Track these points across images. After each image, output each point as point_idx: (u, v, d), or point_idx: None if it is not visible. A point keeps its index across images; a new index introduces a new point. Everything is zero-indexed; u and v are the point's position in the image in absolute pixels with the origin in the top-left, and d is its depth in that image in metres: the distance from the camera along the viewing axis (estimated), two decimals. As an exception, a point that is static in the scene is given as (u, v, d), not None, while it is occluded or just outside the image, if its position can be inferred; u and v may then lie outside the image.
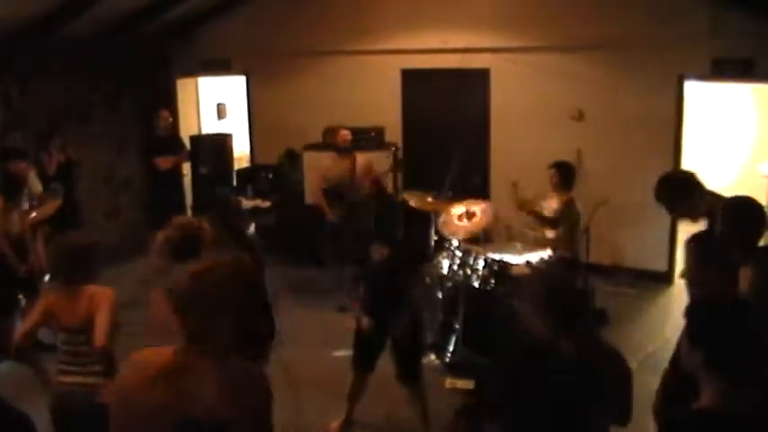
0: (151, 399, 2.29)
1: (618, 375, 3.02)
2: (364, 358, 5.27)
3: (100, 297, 4.01)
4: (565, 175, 6.76)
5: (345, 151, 8.04)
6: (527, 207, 6.95)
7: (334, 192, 8.00)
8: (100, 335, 3.90)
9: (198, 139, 10.75)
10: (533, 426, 3.01)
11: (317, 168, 8.44)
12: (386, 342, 5.14)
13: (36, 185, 7.27)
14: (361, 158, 7.93)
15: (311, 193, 8.56)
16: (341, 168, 7.99)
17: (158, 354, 2.43)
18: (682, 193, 4.43)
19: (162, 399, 2.29)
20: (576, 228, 6.75)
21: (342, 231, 7.87)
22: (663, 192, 4.49)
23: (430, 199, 7.42)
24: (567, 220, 6.65)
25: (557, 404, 2.92)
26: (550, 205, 6.81)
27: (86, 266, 4.09)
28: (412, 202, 7.46)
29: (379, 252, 5.06)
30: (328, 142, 8.28)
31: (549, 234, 6.75)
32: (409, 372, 5.16)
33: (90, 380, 4.01)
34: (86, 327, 3.96)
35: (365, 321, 5.13)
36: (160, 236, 4.19)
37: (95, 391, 3.92)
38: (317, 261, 8.78)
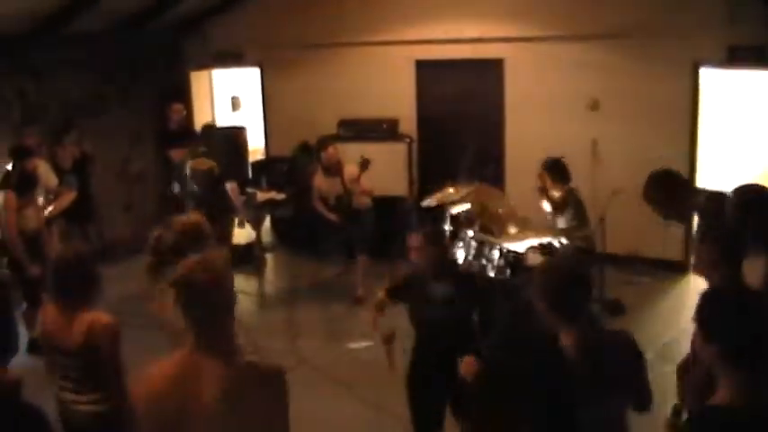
0: (166, 409, 2.38)
1: (625, 359, 2.94)
2: (428, 426, 4.39)
3: (100, 330, 3.55)
4: (555, 173, 6.71)
5: (332, 173, 7.68)
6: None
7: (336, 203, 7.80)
8: (118, 395, 3.55)
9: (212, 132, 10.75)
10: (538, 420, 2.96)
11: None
12: (448, 398, 4.31)
13: (51, 178, 7.29)
14: (350, 168, 7.62)
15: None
16: (331, 186, 7.74)
17: (165, 363, 2.49)
18: (666, 195, 4.38)
19: (174, 405, 2.36)
20: (584, 214, 6.70)
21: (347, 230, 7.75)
22: (648, 194, 4.44)
23: (452, 189, 7.29)
24: (572, 206, 6.65)
25: (556, 399, 2.86)
26: (553, 196, 6.82)
27: (78, 287, 3.64)
28: (430, 202, 7.32)
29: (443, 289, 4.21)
30: (319, 155, 7.82)
31: (561, 224, 6.72)
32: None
33: (84, 406, 3.70)
34: (81, 353, 3.57)
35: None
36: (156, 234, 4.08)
37: (94, 416, 3.69)
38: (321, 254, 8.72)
